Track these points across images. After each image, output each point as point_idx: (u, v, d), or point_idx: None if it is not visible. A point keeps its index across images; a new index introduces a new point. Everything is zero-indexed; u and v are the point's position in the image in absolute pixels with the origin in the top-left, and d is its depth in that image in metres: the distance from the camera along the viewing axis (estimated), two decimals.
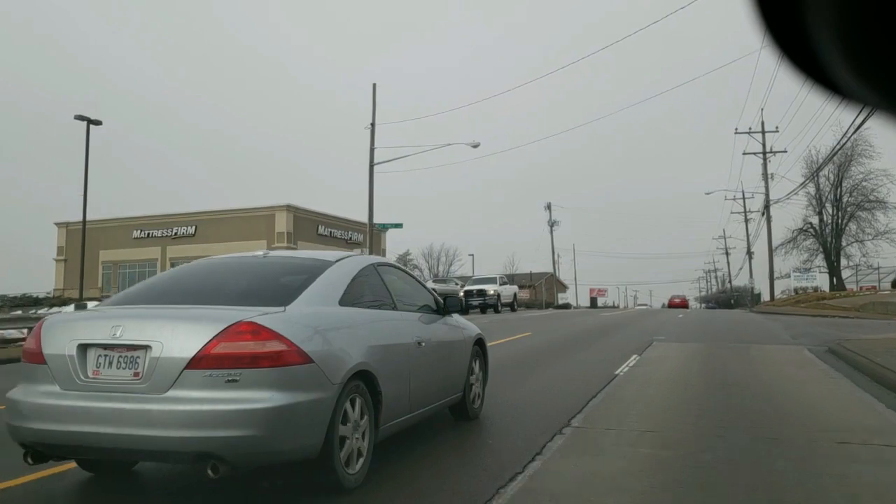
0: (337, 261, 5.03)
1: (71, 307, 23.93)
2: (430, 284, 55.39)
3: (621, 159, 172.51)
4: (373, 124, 32.54)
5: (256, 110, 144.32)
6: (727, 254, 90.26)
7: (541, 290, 73.84)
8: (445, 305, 6.18)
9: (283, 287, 4.55)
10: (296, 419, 3.78)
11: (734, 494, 4.21)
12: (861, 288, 59.14)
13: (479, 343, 6.75)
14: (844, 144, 45.01)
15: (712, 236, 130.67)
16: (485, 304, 33.01)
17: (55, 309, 25.85)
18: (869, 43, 0.74)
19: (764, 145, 49.86)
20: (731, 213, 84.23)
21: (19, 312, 26.38)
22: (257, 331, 3.75)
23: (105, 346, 3.86)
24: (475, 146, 31.27)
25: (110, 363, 3.83)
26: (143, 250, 55.93)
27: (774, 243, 51.78)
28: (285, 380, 3.75)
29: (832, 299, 39.95)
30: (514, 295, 37.34)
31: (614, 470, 4.72)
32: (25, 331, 16.90)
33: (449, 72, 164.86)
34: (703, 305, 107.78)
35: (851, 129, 31.87)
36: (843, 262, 58.75)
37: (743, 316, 31.21)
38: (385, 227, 35.66)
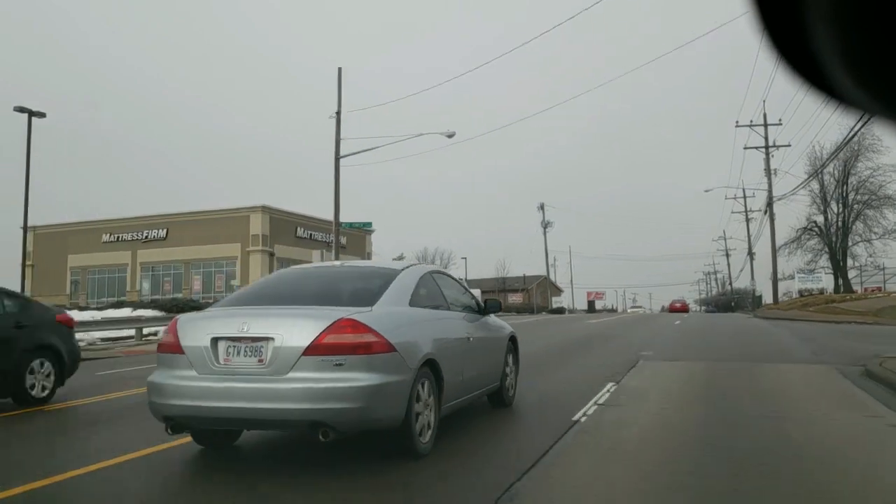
0: (403, 269, 6.11)
1: None
2: None
3: (620, 162, 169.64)
4: (338, 112, 29.48)
5: (256, 110, 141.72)
6: (727, 255, 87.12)
7: (534, 294, 70.69)
8: (486, 307, 7.15)
9: (365, 291, 5.56)
10: (386, 395, 4.74)
11: None
12: (865, 289, 56.10)
13: (513, 340, 7.73)
14: (851, 139, 42.36)
15: (712, 237, 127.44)
16: None
17: None
18: (870, 49, 0.73)
19: (766, 139, 46.76)
20: (732, 212, 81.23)
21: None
22: (356, 326, 4.77)
23: (234, 339, 4.85)
24: (450, 136, 28.23)
25: (238, 352, 4.83)
26: (112, 255, 52.85)
27: (777, 243, 48.69)
28: (378, 364, 4.74)
29: (842, 302, 36.80)
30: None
31: None
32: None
33: (448, 73, 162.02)
34: (703, 308, 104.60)
35: (859, 125, 29.29)
36: (849, 262, 55.77)
37: (746, 322, 28.10)
38: (352, 227, 32.59)
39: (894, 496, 4.27)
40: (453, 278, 7.24)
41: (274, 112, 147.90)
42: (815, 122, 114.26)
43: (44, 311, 9.52)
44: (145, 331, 22.07)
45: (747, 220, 65.27)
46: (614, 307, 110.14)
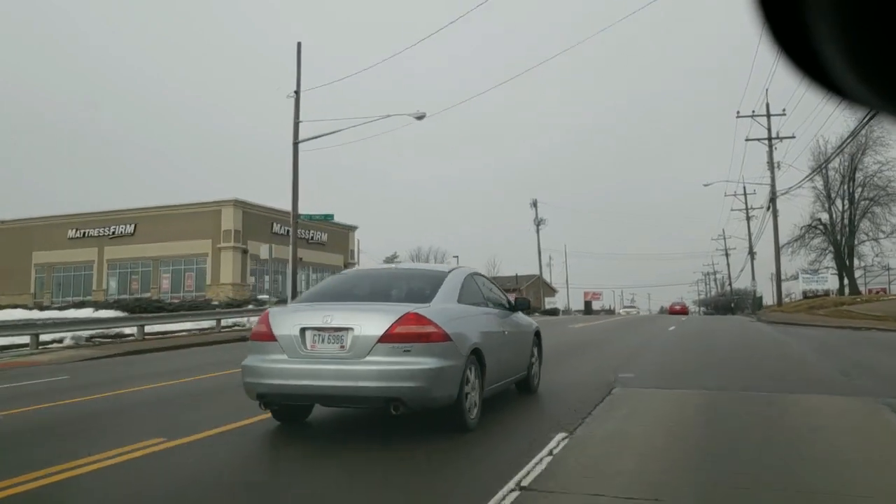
0: (450, 271, 7.05)
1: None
2: None
3: (617, 159, 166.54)
4: (297, 92, 26.41)
5: (257, 110, 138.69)
6: (727, 255, 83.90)
7: (526, 294, 67.57)
8: (515, 304, 8.09)
9: (422, 290, 6.45)
10: (444, 377, 5.65)
11: None
12: (870, 291, 53.16)
13: (537, 334, 8.65)
14: (857, 133, 39.39)
15: (711, 237, 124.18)
16: None
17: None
18: (872, 45, 0.73)
19: (769, 130, 43.59)
20: (732, 210, 78.10)
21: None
22: (419, 319, 5.69)
23: (319, 329, 5.78)
24: (420, 117, 25.14)
25: (323, 340, 5.77)
26: (78, 251, 49.71)
27: (780, 241, 45.56)
28: (437, 351, 5.66)
29: (853, 305, 33.72)
30: None
31: None
32: None
33: (445, 72, 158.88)
34: (702, 310, 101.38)
35: (864, 120, 26.40)
36: (855, 262, 52.64)
37: (749, 327, 25.01)
38: (312, 219, 29.49)
39: None
40: (488, 279, 8.04)
41: (273, 111, 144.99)
42: (820, 113, 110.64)
43: None
44: (66, 337, 19.00)
45: (748, 218, 62.16)
46: (612, 308, 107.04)
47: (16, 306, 35.77)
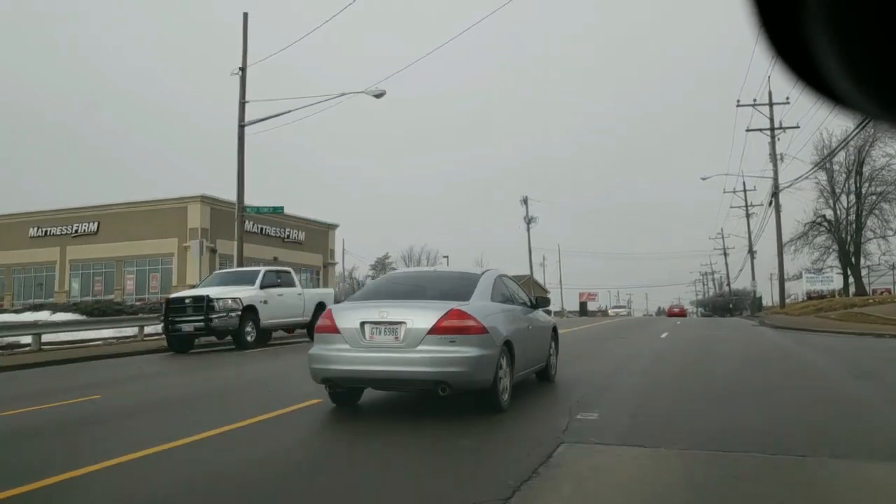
0: (482, 273, 7.86)
1: None
2: None
3: (616, 158, 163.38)
4: (243, 69, 23.21)
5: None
6: (725, 254, 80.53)
7: None
8: (536, 303, 8.95)
9: (461, 289, 7.24)
10: (483, 364, 6.48)
11: None
12: (874, 291, 50.02)
13: (554, 330, 9.49)
14: (860, 129, 36.28)
15: (709, 235, 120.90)
16: (202, 328, 16.09)
17: None
18: (868, 51, 0.73)
19: (772, 120, 40.37)
20: (731, 207, 74.58)
21: None
22: (462, 314, 6.53)
23: (376, 323, 6.62)
24: (378, 96, 21.96)
25: (380, 332, 6.60)
26: (40, 251, 46.51)
27: (783, 239, 42.29)
28: (477, 342, 6.47)
29: (864, 307, 30.45)
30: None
31: None
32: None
33: (442, 72, 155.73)
34: (701, 311, 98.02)
35: (862, 123, 23.49)
36: (861, 261, 49.39)
37: (753, 333, 21.75)
38: (259, 211, 26.26)
39: None
40: (513, 280, 8.92)
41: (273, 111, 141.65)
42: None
43: None
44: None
45: (748, 215, 58.93)
46: (607, 309, 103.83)
47: None
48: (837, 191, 48.61)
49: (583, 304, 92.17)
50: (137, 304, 38.78)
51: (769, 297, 78.79)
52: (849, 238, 47.90)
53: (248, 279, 17.23)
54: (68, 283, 46.18)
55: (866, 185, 47.02)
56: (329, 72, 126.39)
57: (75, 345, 18.62)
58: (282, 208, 25.33)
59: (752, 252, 58.39)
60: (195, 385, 10.14)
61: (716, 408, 7.15)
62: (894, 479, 4.59)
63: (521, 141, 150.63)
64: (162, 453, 5.32)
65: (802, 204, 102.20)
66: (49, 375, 12.23)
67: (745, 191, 58.28)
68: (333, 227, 54.04)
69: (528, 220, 61.84)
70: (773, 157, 40.21)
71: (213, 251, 43.56)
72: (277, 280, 17.91)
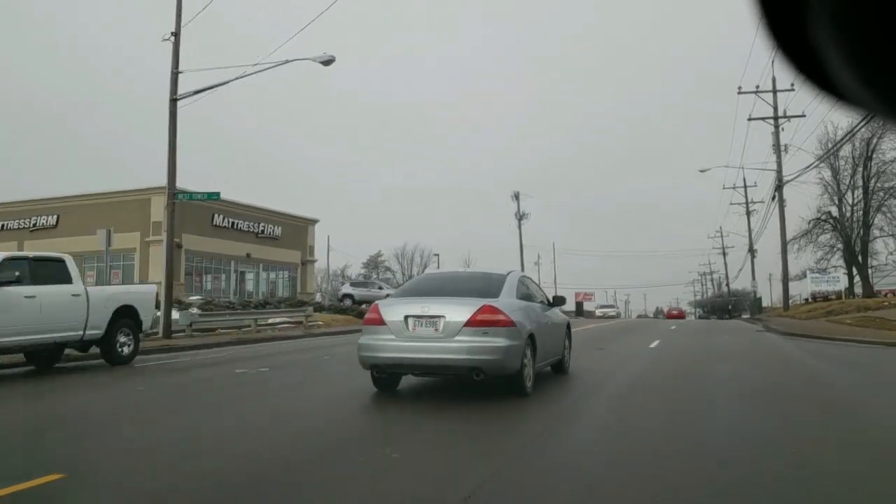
0: (508, 273, 8.56)
1: None
2: (347, 287, 35.75)
3: (615, 161, 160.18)
4: (175, 34, 19.98)
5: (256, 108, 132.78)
6: (724, 254, 77.21)
7: None
8: (553, 301, 9.76)
9: (490, 288, 8.00)
10: (512, 353, 7.28)
11: None
12: (878, 292, 46.88)
13: (568, 326, 10.32)
14: (869, 121, 33.23)
15: (708, 234, 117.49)
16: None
17: None
18: (872, 46, 0.71)
19: (776, 108, 37.13)
20: (731, 204, 71.34)
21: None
22: (493, 309, 7.35)
23: (418, 316, 7.47)
24: (326, 63, 18.78)
25: (421, 324, 7.44)
26: None
27: (786, 237, 39.02)
28: (506, 333, 7.27)
29: (878, 309, 27.27)
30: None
31: None
32: None
33: (441, 71, 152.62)
34: (700, 311, 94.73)
35: (865, 119, 20.54)
36: (868, 260, 46.17)
37: (759, 341, 18.52)
38: (192, 198, 23.04)
39: None
40: (533, 281, 9.84)
41: (276, 109, 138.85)
42: None
43: None
44: None
45: (748, 213, 55.69)
46: (595, 310, 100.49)
47: None
48: (843, 187, 45.48)
49: (579, 304, 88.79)
50: None
51: (768, 298, 75.62)
52: (855, 236, 44.75)
53: None
54: None
55: (873, 180, 43.84)
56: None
57: None
58: (217, 194, 22.08)
59: (752, 251, 55.16)
60: None
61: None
62: None
63: (519, 141, 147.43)
64: None
65: (806, 199, 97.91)
66: None
67: (745, 187, 55.09)
68: (313, 222, 50.72)
69: (520, 217, 58.54)
70: (777, 147, 36.98)
71: (178, 246, 40.35)
72: (18, 275, 10.75)
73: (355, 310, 31.84)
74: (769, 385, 8.94)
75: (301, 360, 12.67)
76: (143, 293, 13.85)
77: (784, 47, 0.77)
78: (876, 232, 45.00)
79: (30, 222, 42.78)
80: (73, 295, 11.63)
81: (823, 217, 44.79)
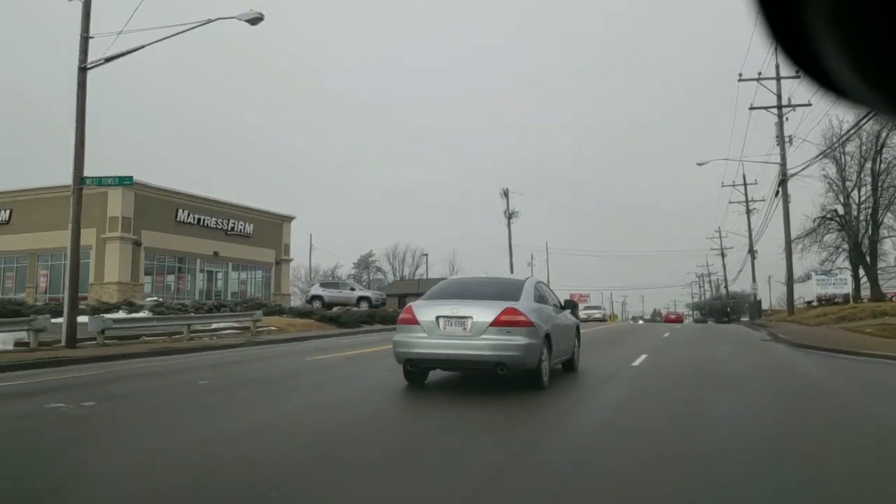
0: (525, 279, 9.44)
1: None
2: (317, 288, 34.44)
3: (614, 160, 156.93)
4: None
5: (260, 107, 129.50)
6: (723, 255, 73.89)
7: None
8: (564, 305, 10.46)
9: (511, 292, 8.68)
10: (532, 350, 7.97)
11: None
12: (886, 295, 43.68)
13: (577, 328, 11.11)
14: (869, 119, 30.12)
15: (707, 235, 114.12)
16: None
17: None
18: (872, 43, 0.71)
19: (779, 97, 33.92)
20: (730, 202, 68.05)
21: None
22: (514, 311, 8.03)
23: (448, 317, 8.16)
24: (253, 21, 15.60)
25: (451, 324, 8.12)
26: None
27: (789, 236, 35.76)
28: (527, 333, 7.96)
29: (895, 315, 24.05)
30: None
31: None
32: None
33: (441, 71, 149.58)
34: (698, 314, 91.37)
35: (866, 117, 17.56)
36: (876, 261, 42.94)
37: (766, 355, 15.30)
38: (101, 183, 19.73)
39: None
40: (546, 286, 10.50)
41: (276, 107, 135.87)
42: None
43: None
44: None
45: (748, 211, 52.45)
46: (605, 312, 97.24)
47: None
48: (849, 184, 42.25)
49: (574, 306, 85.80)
50: (53, 303, 32.36)
51: (767, 300, 72.24)
52: (862, 235, 41.55)
53: None
54: None
55: (882, 176, 40.58)
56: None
57: None
58: (130, 179, 18.78)
59: (752, 251, 51.90)
60: None
61: None
62: None
63: (519, 141, 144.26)
64: None
65: (811, 196, 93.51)
66: None
67: (745, 185, 51.86)
68: (288, 219, 47.50)
69: (509, 215, 55.22)
70: (781, 138, 33.78)
71: (137, 244, 37.20)
72: None
73: (319, 313, 28.58)
74: (815, 454, 5.49)
75: (166, 387, 9.43)
76: None
77: (783, 44, 0.76)
78: (884, 231, 41.78)
79: None
80: None
81: (829, 215, 41.55)
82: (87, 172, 17.82)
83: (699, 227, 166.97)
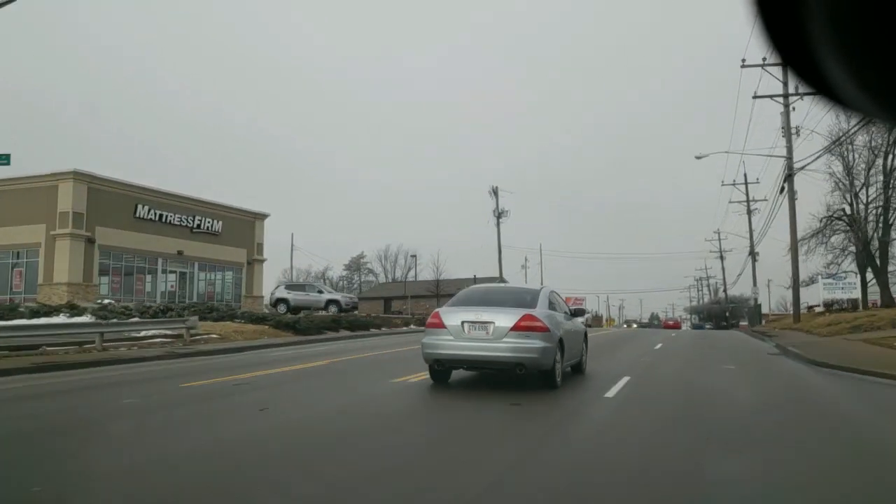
0: (541, 288, 10.23)
1: None
2: (281, 291, 32.49)
3: (613, 162, 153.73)
4: None
5: (255, 106, 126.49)
6: (721, 257, 70.49)
7: None
8: (573, 312, 11.33)
9: (528, 300, 9.46)
10: (547, 352, 8.77)
11: None
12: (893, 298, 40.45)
13: (585, 334, 11.74)
14: (867, 124, 26.93)
15: (705, 237, 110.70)
16: None
17: None
18: (869, 50, 0.71)
19: (786, 84, 30.65)
20: (730, 202, 64.79)
21: None
22: (532, 317, 8.81)
23: (472, 322, 8.90)
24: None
25: (475, 328, 8.87)
26: None
27: (792, 238, 32.49)
28: (543, 337, 8.73)
29: None
30: None
31: None
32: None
33: (429, 71, 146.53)
34: (695, 319, 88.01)
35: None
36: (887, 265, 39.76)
37: (781, 377, 12.11)
38: None
39: None
40: (558, 295, 10.84)
41: (275, 106, 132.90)
42: None
43: None
44: None
45: (749, 211, 49.24)
46: (600, 316, 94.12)
47: None
48: (857, 183, 39.09)
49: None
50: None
51: (766, 305, 68.88)
52: (871, 235, 38.38)
53: None
54: None
55: (895, 173, 37.37)
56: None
57: None
58: (6, 157, 15.57)
59: (753, 253, 48.61)
60: None
61: None
62: None
63: (518, 142, 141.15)
64: None
65: (817, 196, 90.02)
66: None
67: (746, 183, 48.64)
68: (262, 216, 44.31)
69: (498, 214, 52.01)
70: (787, 129, 30.57)
71: (90, 241, 34.04)
72: None
73: (274, 318, 25.34)
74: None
75: None
76: None
77: (781, 50, 0.75)
78: (894, 233, 38.61)
79: None
80: None
81: (837, 215, 38.33)
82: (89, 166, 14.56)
83: (698, 230, 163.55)
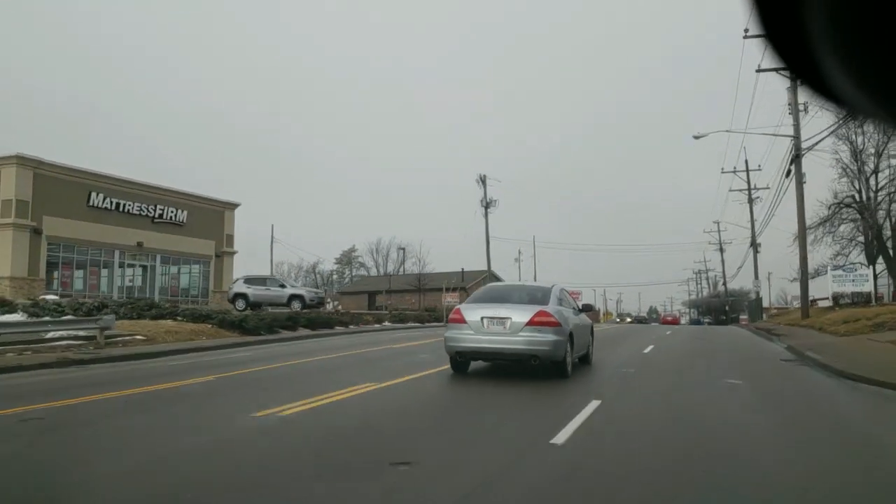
0: (551, 286, 10.94)
1: None
2: (240, 285, 30.83)
3: (614, 156, 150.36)
4: None
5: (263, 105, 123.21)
6: (721, 249, 67.21)
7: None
8: (581, 308, 12.05)
9: (540, 297, 10.36)
10: (559, 345, 9.59)
11: None
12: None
13: (591, 328, 12.74)
14: (864, 122, 23.87)
15: (704, 229, 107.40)
16: None
17: None
18: (868, 51, 0.70)
19: None
20: (730, 190, 61.44)
21: None
22: (545, 313, 9.63)
23: (491, 317, 9.75)
24: None
25: (493, 324, 9.72)
26: None
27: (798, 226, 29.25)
28: (555, 331, 9.56)
29: None
30: None
31: None
32: None
33: (428, 71, 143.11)
34: (694, 313, 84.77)
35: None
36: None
37: (819, 401, 9.02)
38: None
39: None
40: (567, 292, 11.73)
41: (276, 104, 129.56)
42: None
43: None
44: None
45: (750, 200, 45.91)
46: (596, 311, 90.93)
47: None
48: (867, 169, 35.95)
49: None
50: None
51: (766, 298, 65.68)
52: (883, 222, 35.26)
53: None
54: None
55: None
56: None
57: None
58: None
59: (755, 244, 45.38)
60: None
61: None
62: None
63: (518, 139, 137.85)
64: None
65: (823, 182, 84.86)
66: None
67: (747, 170, 45.40)
68: (231, 206, 41.13)
69: (486, 204, 48.78)
70: (794, 105, 27.32)
71: (36, 231, 30.91)
72: None
73: (217, 317, 22.19)
74: None
75: None
76: None
77: (781, 50, 0.74)
78: None
79: None
80: None
81: (846, 202, 35.16)
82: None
83: (697, 222, 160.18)
